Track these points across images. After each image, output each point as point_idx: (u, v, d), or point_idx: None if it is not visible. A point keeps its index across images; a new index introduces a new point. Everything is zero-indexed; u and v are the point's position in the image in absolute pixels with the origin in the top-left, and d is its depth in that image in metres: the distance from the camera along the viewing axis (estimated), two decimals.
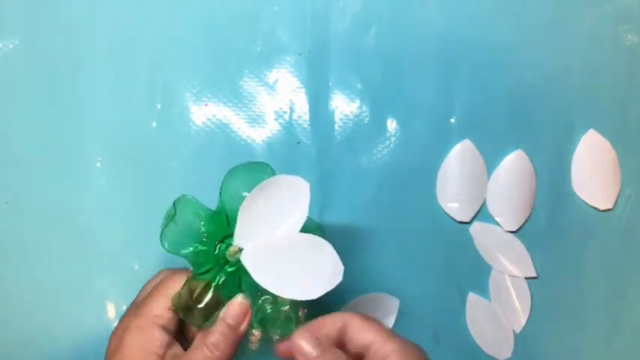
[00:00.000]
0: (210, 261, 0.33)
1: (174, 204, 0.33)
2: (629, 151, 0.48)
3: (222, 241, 0.34)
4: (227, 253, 0.33)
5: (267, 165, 0.34)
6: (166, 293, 0.33)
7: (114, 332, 0.32)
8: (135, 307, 0.33)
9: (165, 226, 0.32)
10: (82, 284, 0.44)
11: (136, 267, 0.45)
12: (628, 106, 0.48)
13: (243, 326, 0.32)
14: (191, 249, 0.33)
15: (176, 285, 0.33)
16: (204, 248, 0.33)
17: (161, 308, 0.32)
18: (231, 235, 0.33)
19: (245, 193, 0.32)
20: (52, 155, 0.45)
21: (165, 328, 0.32)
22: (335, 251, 0.32)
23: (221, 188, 0.34)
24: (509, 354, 0.46)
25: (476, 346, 0.46)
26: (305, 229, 0.33)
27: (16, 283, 0.44)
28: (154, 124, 0.46)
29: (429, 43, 0.47)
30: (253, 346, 0.43)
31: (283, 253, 0.32)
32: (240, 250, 0.33)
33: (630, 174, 0.48)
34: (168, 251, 0.33)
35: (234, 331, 0.32)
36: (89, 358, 0.43)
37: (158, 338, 0.31)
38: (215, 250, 0.33)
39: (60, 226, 0.45)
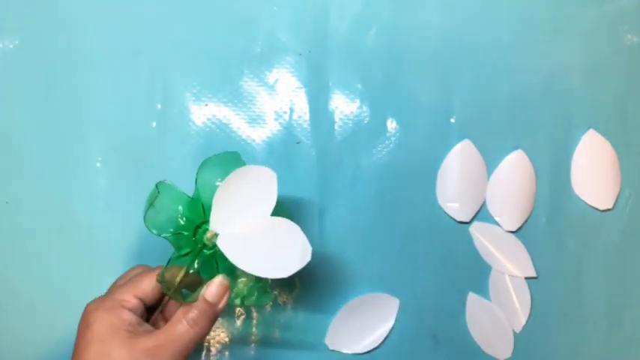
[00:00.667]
0: (190, 244, 0.36)
1: (156, 187, 0.35)
2: (629, 151, 0.48)
3: (199, 227, 0.36)
4: (204, 237, 0.35)
5: (238, 154, 0.37)
6: (136, 285, 0.35)
7: (83, 315, 0.34)
8: (104, 295, 0.35)
9: (146, 209, 0.35)
10: (82, 284, 0.44)
11: None
12: (628, 106, 0.48)
13: (222, 304, 0.34)
14: (171, 230, 0.36)
15: (147, 279, 0.35)
16: (184, 233, 0.36)
17: (129, 296, 0.34)
18: (207, 222, 0.35)
19: (218, 182, 0.35)
20: (52, 155, 0.45)
21: (132, 311, 0.33)
22: (303, 233, 0.34)
23: (196, 178, 0.36)
24: (509, 354, 0.46)
25: (476, 346, 0.46)
26: (275, 214, 0.35)
27: (16, 283, 0.44)
28: (154, 124, 0.46)
29: (429, 43, 0.47)
30: None
31: (256, 236, 0.35)
32: (216, 235, 0.35)
33: (630, 174, 0.48)
34: (152, 233, 0.35)
35: (213, 308, 0.34)
36: None
37: (127, 317, 0.33)
38: (193, 236, 0.36)
39: (60, 226, 0.45)
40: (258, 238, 0.35)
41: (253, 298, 0.37)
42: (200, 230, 0.36)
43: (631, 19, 0.48)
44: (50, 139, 0.45)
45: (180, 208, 0.36)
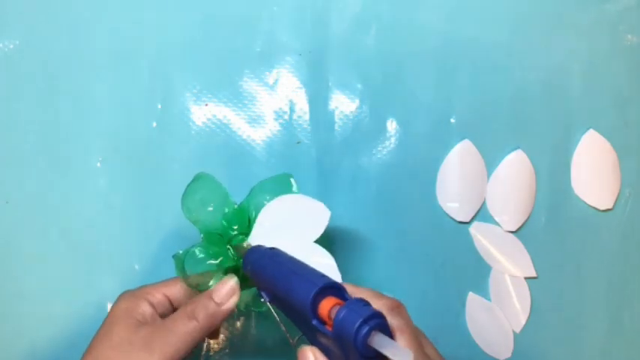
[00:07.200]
0: (220, 247, 0.37)
1: (199, 178, 0.38)
2: (629, 151, 0.48)
3: (235, 236, 0.38)
4: (240, 245, 0.37)
5: (289, 178, 0.39)
6: (168, 283, 0.37)
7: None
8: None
9: (188, 193, 0.37)
10: (82, 284, 0.44)
11: (136, 267, 0.45)
12: (628, 106, 0.48)
13: (227, 305, 0.34)
14: (204, 221, 0.37)
15: (179, 282, 0.37)
16: (219, 235, 0.38)
17: (157, 291, 0.36)
18: (246, 234, 0.37)
19: (266, 202, 0.37)
20: (52, 155, 0.45)
21: (153, 305, 0.35)
22: (336, 265, 0.36)
23: (250, 192, 0.39)
24: (509, 354, 0.46)
25: (476, 346, 0.46)
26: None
27: (17, 283, 0.44)
28: (154, 124, 0.46)
29: (429, 43, 0.47)
30: None
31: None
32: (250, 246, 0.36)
33: (630, 174, 0.48)
34: (186, 216, 0.37)
35: (218, 308, 0.34)
36: None
37: (143, 308, 0.34)
38: (228, 242, 0.38)
39: (60, 226, 0.45)
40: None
41: (257, 306, 0.38)
42: (235, 239, 0.37)
43: (631, 19, 0.48)
44: (50, 139, 0.45)
45: (226, 210, 0.38)
